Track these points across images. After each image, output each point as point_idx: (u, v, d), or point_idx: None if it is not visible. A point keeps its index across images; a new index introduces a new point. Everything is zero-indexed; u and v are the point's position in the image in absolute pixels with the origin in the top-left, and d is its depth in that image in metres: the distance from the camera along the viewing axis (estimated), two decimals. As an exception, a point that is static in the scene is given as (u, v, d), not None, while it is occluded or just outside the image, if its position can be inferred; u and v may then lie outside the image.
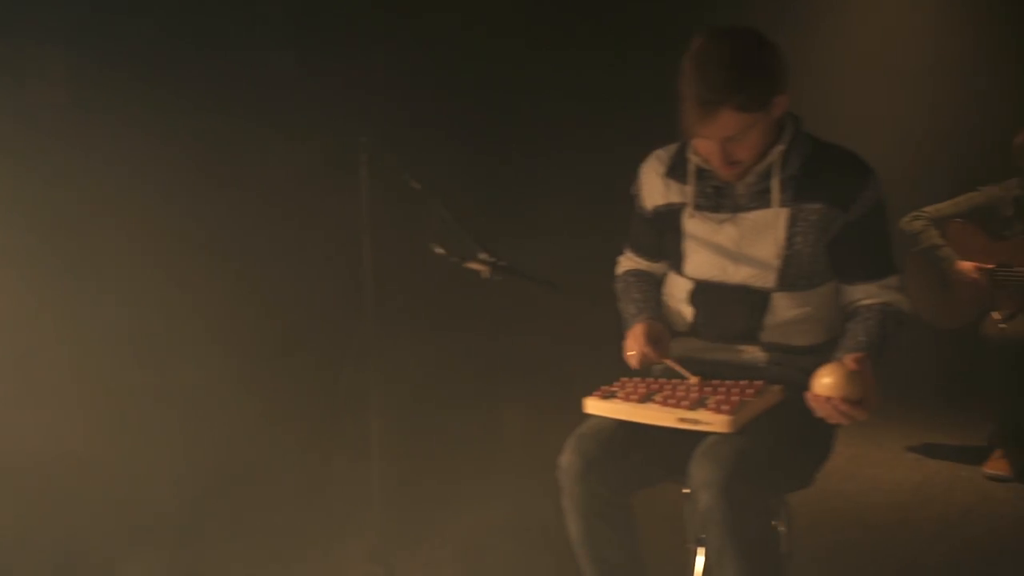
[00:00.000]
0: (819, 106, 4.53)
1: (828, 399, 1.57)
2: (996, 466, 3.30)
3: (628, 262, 2.09)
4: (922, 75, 4.61)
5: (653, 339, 1.83)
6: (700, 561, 1.76)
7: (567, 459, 1.70)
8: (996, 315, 3.28)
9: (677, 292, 1.94)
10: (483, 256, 1.66)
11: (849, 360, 1.60)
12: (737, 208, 1.82)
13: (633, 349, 1.82)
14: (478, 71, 3.71)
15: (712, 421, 1.61)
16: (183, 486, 2.69)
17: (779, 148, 1.75)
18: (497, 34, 3.79)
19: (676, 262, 1.93)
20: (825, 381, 1.58)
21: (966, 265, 3.43)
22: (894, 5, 4.74)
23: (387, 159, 2.06)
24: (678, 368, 1.82)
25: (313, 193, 2.71)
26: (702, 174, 1.85)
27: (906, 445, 3.71)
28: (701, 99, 1.64)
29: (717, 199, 1.84)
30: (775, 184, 1.77)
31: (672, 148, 1.93)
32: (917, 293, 3.62)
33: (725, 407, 1.63)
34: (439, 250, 1.62)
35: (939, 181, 3.82)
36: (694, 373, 1.85)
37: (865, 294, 1.81)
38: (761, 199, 1.79)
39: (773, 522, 1.77)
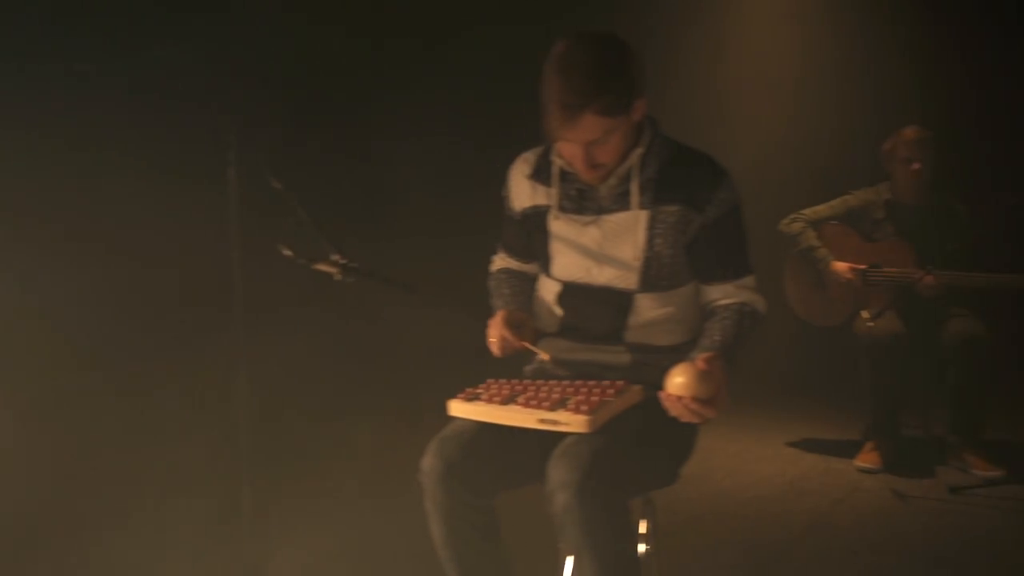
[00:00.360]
0: (699, 113, 4.71)
1: (679, 398, 1.60)
2: (867, 459, 3.44)
3: (501, 262, 2.11)
4: (798, 83, 4.80)
5: (513, 325, 1.84)
6: (570, 562, 1.77)
7: (428, 462, 1.69)
8: (865, 314, 3.43)
9: (547, 294, 1.96)
10: (335, 258, 1.64)
11: (700, 360, 1.63)
12: (600, 210, 1.84)
13: (493, 336, 1.83)
14: (345, 71, 3.69)
15: (571, 421, 1.62)
16: (32, 494, 2.58)
17: (638, 151, 1.78)
18: (360, 33, 3.78)
19: (544, 264, 1.95)
20: (677, 380, 1.61)
21: (840, 266, 3.57)
22: (768, 15, 4.92)
23: (252, 157, 2.01)
24: (533, 349, 1.85)
25: (177, 193, 2.63)
26: (566, 176, 1.87)
27: (786, 440, 3.84)
28: (564, 103, 1.66)
29: (581, 201, 1.86)
30: (634, 187, 1.80)
31: (538, 150, 1.95)
32: (796, 293, 3.76)
33: (584, 407, 1.64)
34: (286, 252, 1.59)
35: (817, 184, 3.96)
36: (563, 375, 1.87)
37: (722, 294, 1.86)
38: (622, 201, 1.82)
39: (635, 520, 1.81)
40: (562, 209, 1.88)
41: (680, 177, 1.80)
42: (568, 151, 1.76)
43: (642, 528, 1.95)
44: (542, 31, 1.81)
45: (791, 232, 3.69)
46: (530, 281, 2.04)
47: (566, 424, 1.63)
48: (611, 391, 1.72)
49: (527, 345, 1.85)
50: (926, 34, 4.50)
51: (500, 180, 2.02)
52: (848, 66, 4.65)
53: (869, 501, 3.11)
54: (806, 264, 3.67)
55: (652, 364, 1.85)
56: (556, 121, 1.68)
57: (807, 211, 3.71)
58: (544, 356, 1.82)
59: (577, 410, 1.63)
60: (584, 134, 1.69)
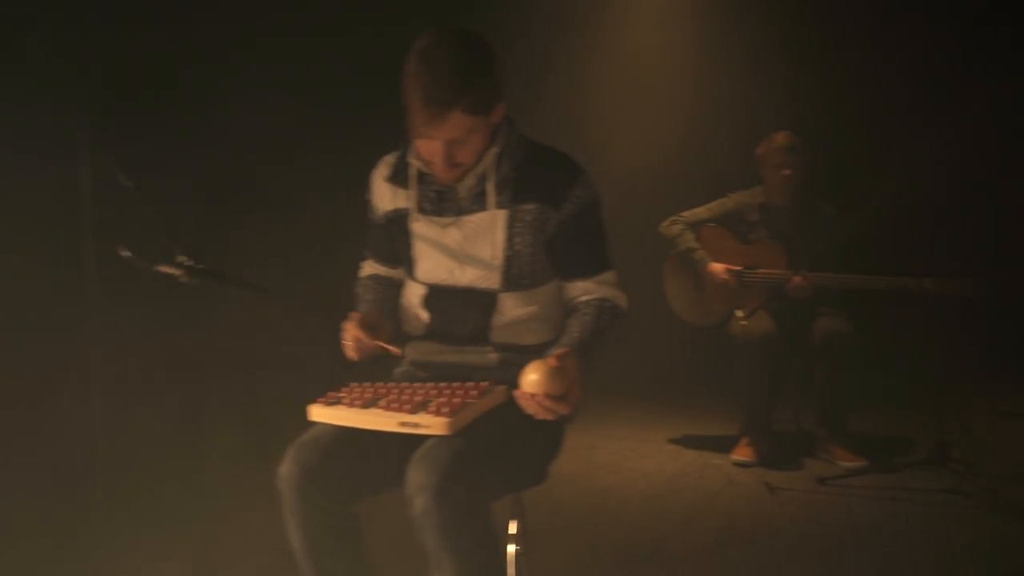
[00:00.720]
0: (579, 117, 4.79)
1: (533, 395, 1.61)
2: (742, 453, 3.56)
3: (369, 268, 2.08)
4: (677, 87, 4.94)
5: (367, 327, 1.82)
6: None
7: (285, 468, 1.65)
8: (739, 313, 3.55)
9: (413, 297, 1.94)
10: (180, 259, 1.58)
11: (552, 357, 1.65)
12: (460, 211, 1.84)
13: (348, 338, 1.80)
14: (207, 69, 3.60)
15: (431, 424, 1.61)
16: None
17: (493, 151, 1.79)
18: (222, 30, 3.70)
19: (409, 267, 1.94)
20: (530, 378, 1.62)
21: (717, 267, 3.68)
22: (645, 20, 5.05)
23: (105, 156, 1.92)
24: (388, 347, 1.83)
25: (27, 189, 2.49)
26: (424, 178, 1.86)
27: (668, 437, 3.93)
28: (432, 99, 1.64)
29: (440, 203, 1.86)
30: (490, 187, 1.80)
31: (397, 153, 1.93)
32: (675, 294, 3.85)
33: (445, 409, 1.63)
34: (125, 253, 1.52)
35: (697, 187, 4.07)
36: (429, 377, 1.86)
37: (582, 291, 1.88)
38: (481, 201, 1.82)
39: (504, 521, 1.81)
40: (422, 211, 1.87)
41: (536, 175, 1.81)
42: (428, 150, 1.74)
43: (512, 529, 1.96)
44: (410, 31, 1.79)
45: (670, 234, 3.78)
46: (397, 287, 2.03)
47: (427, 427, 1.62)
48: (474, 392, 1.72)
49: (382, 344, 1.82)
50: (798, 39, 4.70)
51: (365, 183, 2.00)
52: (724, 70, 4.81)
53: (742, 494, 3.22)
54: (685, 265, 3.78)
55: (519, 364, 1.83)
56: (421, 118, 1.67)
57: (686, 213, 3.81)
58: (395, 351, 1.80)
59: (438, 412, 1.63)
60: (449, 132, 1.68)
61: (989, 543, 2.75)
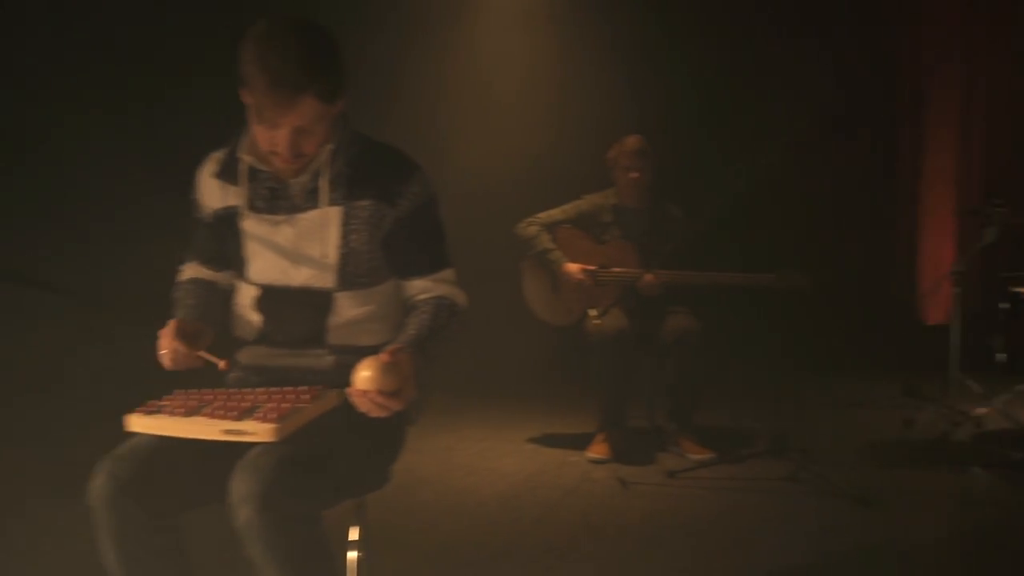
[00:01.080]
0: (435, 119, 4.79)
1: (365, 392, 1.58)
2: (597, 449, 3.63)
3: (190, 271, 1.96)
4: (534, 90, 5.01)
5: (186, 335, 1.73)
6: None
7: (96, 483, 1.55)
8: (593, 312, 3.61)
9: (244, 299, 1.87)
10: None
11: (384, 353, 1.62)
12: (293, 208, 1.79)
13: (163, 347, 1.71)
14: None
15: (257, 431, 1.55)
16: None
17: (328, 146, 1.75)
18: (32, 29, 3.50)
19: (240, 268, 1.86)
20: (362, 375, 1.59)
21: (572, 267, 3.74)
22: (501, 23, 5.10)
23: None
24: (209, 358, 1.74)
25: None
26: (256, 174, 1.80)
27: (528, 437, 3.96)
28: (281, 83, 1.59)
29: (273, 200, 1.80)
30: (324, 183, 1.76)
31: (226, 148, 1.86)
32: (533, 294, 3.88)
33: (273, 415, 1.57)
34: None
35: (554, 189, 4.12)
36: (263, 382, 1.79)
37: (420, 289, 1.86)
38: (314, 198, 1.78)
39: (344, 528, 1.76)
40: (254, 209, 1.80)
41: (372, 172, 1.78)
42: (269, 139, 1.68)
43: (353, 535, 1.91)
44: (247, 21, 1.72)
45: (526, 235, 3.82)
46: (221, 292, 1.92)
47: (252, 434, 1.55)
48: (306, 396, 1.66)
49: (203, 355, 1.74)
50: (651, 43, 4.85)
51: (188, 184, 1.90)
52: (580, 73, 4.91)
53: (596, 490, 3.27)
54: (542, 266, 3.82)
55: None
56: (269, 102, 1.61)
57: (542, 215, 3.86)
58: (222, 364, 1.72)
59: (265, 419, 1.56)
60: (299, 118, 1.63)
61: (822, 525, 2.90)
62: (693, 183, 4.31)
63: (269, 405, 1.63)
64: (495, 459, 3.66)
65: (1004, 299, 3.83)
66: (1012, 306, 3.79)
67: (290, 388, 1.71)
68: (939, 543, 2.81)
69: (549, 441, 3.91)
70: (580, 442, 3.75)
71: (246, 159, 1.77)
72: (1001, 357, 3.83)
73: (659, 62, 4.82)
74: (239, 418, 1.58)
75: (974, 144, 5.44)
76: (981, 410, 3.80)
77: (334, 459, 1.66)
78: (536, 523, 2.96)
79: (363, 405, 1.59)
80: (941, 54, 5.24)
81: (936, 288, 5.15)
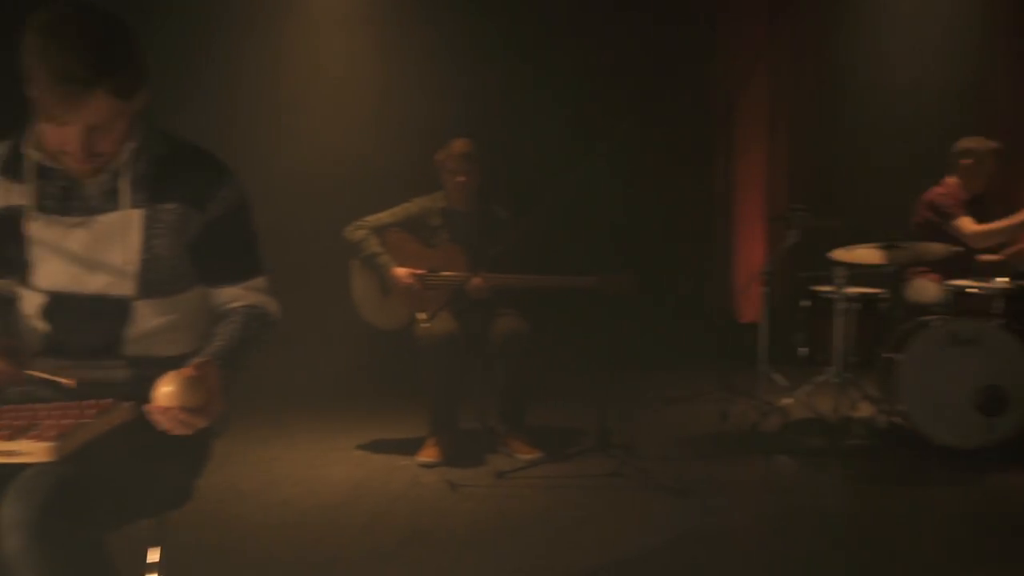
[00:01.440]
0: (258, 120, 4.64)
1: (167, 409, 1.49)
2: (427, 453, 3.61)
3: None
4: (362, 91, 4.95)
5: (7, 353, 1.60)
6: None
7: None
8: (421, 315, 3.59)
9: (29, 308, 1.72)
10: None
11: (189, 367, 1.53)
12: (90, 210, 1.66)
13: None
14: None
15: (32, 451, 1.42)
16: None
17: (130, 145, 1.64)
18: None
19: (23, 274, 1.70)
20: (164, 390, 1.50)
21: (401, 271, 3.70)
22: (330, 26, 5.02)
23: None
24: (51, 378, 1.61)
25: None
26: (46, 172, 1.66)
27: (357, 443, 3.89)
28: (68, 78, 1.46)
29: (66, 201, 1.67)
30: (124, 184, 1.65)
31: (8, 143, 1.70)
32: (362, 298, 3.82)
33: (52, 433, 1.45)
34: None
35: (382, 193, 4.07)
36: (51, 397, 1.65)
37: (231, 297, 1.78)
38: (113, 200, 1.66)
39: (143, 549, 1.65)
40: (43, 209, 1.66)
41: (179, 174, 1.69)
42: (59, 138, 1.55)
43: (153, 556, 1.80)
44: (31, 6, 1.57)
45: (354, 239, 3.75)
46: (5, 302, 1.76)
47: (27, 454, 1.42)
48: (91, 411, 1.54)
49: (38, 374, 1.60)
50: (480, 47, 4.90)
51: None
52: (405, 76, 4.89)
53: (426, 495, 3.25)
54: (370, 270, 3.75)
55: (155, 378, 1.70)
56: (53, 100, 1.48)
57: (370, 218, 3.80)
58: (70, 383, 1.58)
59: (41, 437, 1.44)
60: (91, 116, 1.51)
61: (644, 517, 3.01)
62: (521, 186, 4.38)
63: (48, 422, 1.50)
64: (322, 468, 3.56)
65: (806, 297, 4.13)
66: (812, 303, 4.10)
67: (75, 403, 1.58)
68: (749, 527, 2.98)
69: (379, 447, 3.85)
70: (411, 447, 3.71)
71: (33, 155, 1.63)
72: (803, 351, 4.12)
73: (484, 65, 4.87)
74: (12, 437, 1.44)
75: (781, 154, 5.84)
76: (787, 401, 4.07)
77: (123, 477, 1.55)
78: (362, 531, 2.90)
79: (165, 423, 1.50)
80: (747, 68, 5.58)
81: (748, 288, 5.48)
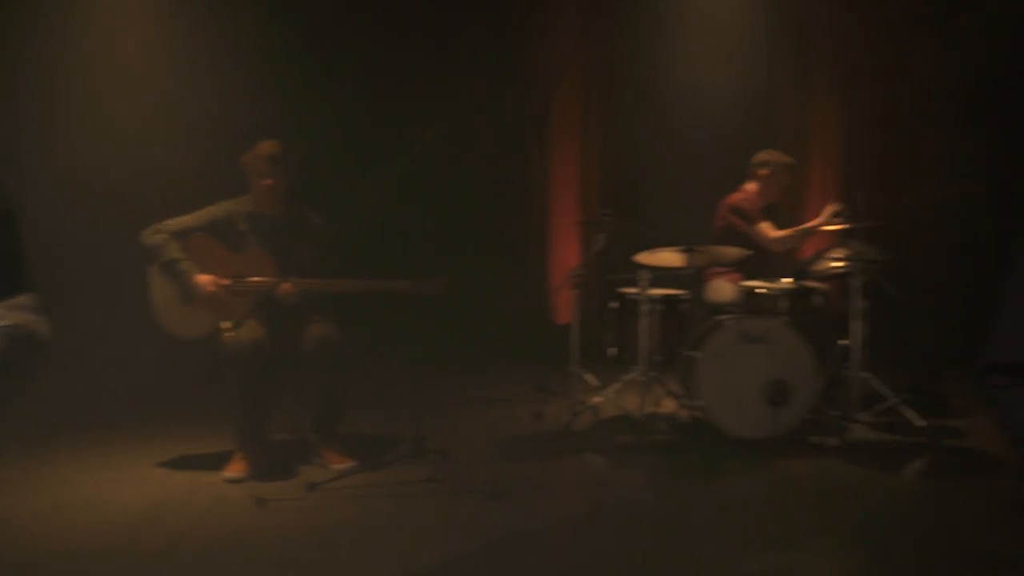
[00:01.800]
0: (43, 122, 4.31)
1: None
2: (234, 468, 3.45)
3: None
4: (162, 96, 4.71)
5: None
6: None
7: None
8: (226, 324, 3.44)
9: None
10: None
11: None
12: None
13: None
14: None
15: None
16: None
17: None
18: None
19: None
20: None
21: (204, 278, 3.52)
22: (121, 23, 4.75)
23: None
24: None
25: None
26: None
27: (159, 461, 3.66)
28: None
29: None
30: None
31: None
32: (162, 307, 3.60)
33: None
34: None
35: (190, 196, 3.87)
36: None
37: None
38: None
39: None
40: None
41: None
42: None
43: None
44: None
45: (152, 244, 3.54)
46: None
47: None
48: None
49: None
50: (286, 45, 4.77)
51: None
52: (207, 75, 4.69)
53: (230, 512, 3.10)
54: (171, 277, 3.55)
55: None
56: None
57: (171, 222, 3.59)
58: None
59: None
60: None
61: (458, 521, 3.01)
62: (332, 189, 4.30)
63: None
64: (118, 489, 3.32)
65: (614, 299, 4.29)
66: (620, 305, 4.26)
67: None
68: (560, 525, 3.05)
69: (183, 464, 3.65)
70: (219, 462, 3.54)
71: None
72: (612, 351, 4.28)
73: (291, 65, 4.75)
74: None
75: (593, 159, 6.06)
76: (597, 399, 4.21)
77: None
78: (157, 556, 2.73)
79: None
80: (558, 79, 5.76)
81: (561, 291, 5.65)
